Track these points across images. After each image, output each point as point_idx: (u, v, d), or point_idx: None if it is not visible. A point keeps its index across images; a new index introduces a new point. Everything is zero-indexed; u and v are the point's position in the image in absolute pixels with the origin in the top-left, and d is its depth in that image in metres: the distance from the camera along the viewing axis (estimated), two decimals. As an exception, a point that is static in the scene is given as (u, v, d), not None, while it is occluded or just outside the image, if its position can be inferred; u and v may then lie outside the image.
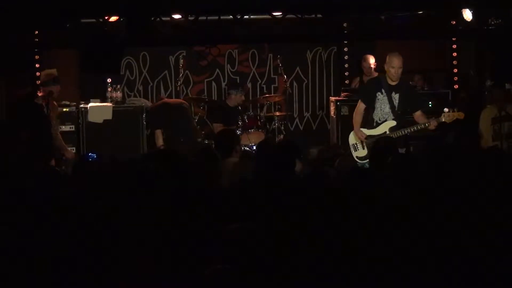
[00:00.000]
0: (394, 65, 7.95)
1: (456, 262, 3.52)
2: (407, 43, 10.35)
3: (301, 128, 11.23)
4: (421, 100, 8.66)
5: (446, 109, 7.98)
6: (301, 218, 3.97)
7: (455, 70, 10.83)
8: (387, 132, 7.93)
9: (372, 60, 10.05)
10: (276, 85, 11.09)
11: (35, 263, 3.64)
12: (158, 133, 9.48)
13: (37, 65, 10.43)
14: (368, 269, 3.48)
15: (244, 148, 9.18)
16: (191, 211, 4.11)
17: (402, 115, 8.03)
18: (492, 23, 8.06)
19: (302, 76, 11.15)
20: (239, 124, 9.72)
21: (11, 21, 7.36)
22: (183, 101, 9.84)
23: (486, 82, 10.10)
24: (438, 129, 8.06)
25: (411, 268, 3.50)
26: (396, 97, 8.00)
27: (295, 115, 11.16)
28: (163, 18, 7.95)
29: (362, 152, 8.09)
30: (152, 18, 7.75)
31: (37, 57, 10.37)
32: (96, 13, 7.81)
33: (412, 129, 7.92)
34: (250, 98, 10.89)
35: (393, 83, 8.03)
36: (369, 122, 8.09)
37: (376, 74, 9.46)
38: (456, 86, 10.80)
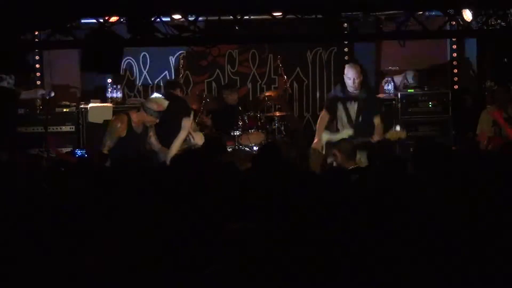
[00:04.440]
0: (350, 76, 8.32)
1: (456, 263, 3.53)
2: (407, 43, 10.35)
3: (297, 129, 11.22)
4: (379, 105, 8.83)
5: (398, 127, 8.25)
6: (301, 217, 3.97)
7: (455, 70, 10.84)
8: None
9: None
10: (276, 85, 11.08)
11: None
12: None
13: (37, 65, 10.46)
14: (370, 270, 3.48)
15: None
16: (192, 210, 4.11)
17: (362, 123, 8.34)
18: (492, 23, 8.06)
19: (302, 76, 11.15)
20: (239, 124, 9.71)
21: (11, 21, 7.36)
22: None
23: (486, 83, 10.10)
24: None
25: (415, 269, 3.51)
26: (354, 106, 8.34)
27: (295, 115, 11.15)
28: (163, 19, 7.95)
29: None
30: (152, 18, 7.74)
31: (37, 57, 10.40)
32: (96, 13, 7.80)
33: (364, 141, 8.07)
34: (251, 99, 10.89)
35: (353, 93, 8.36)
36: (332, 128, 8.55)
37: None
38: (456, 86, 10.81)
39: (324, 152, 8.22)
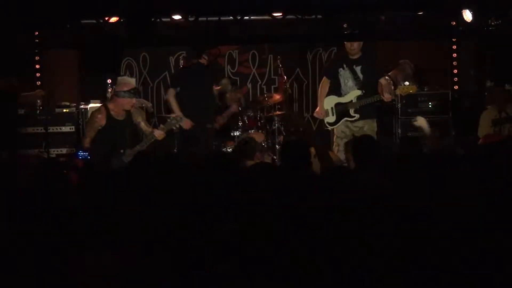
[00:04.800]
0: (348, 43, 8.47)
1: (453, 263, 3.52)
2: (407, 43, 10.36)
3: (301, 128, 11.21)
4: (381, 66, 8.95)
5: (406, 83, 8.36)
6: (301, 217, 3.97)
7: (455, 71, 10.84)
8: (354, 101, 8.45)
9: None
10: (276, 85, 11.09)
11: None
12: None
13: (37, 65, 10.47)
14: (370, 270, 3.48)
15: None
16: (196, 211, 4.10)
17: (367, 85, 8.47)
18: (492, 23, 8.06)
19: (302, 76, 11.15)
20: (239, 124, 9.71)
21: (11, 21, 7.36)
22: None
23: (486, 83, 10.10)
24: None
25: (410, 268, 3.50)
26: (358, 69, 8.44)
27: (296, 114, 11.14)
28: (163, 19, 7.95)
29: (332, 118, 8.60)
30: (152, 19, 7.75)
31: (37, 57, 10.40)
32: (96, 13, 7.80)
33: (374, 99, 8.40)
34: (250, 99, 10.88)
35: (354, 57, 8.48)
36: (337, 92, 8.58)
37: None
38: (456, 86, 10.81)
39: (334, 115, 8.50)
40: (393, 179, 4.73)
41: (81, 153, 7.91)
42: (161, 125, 8.31)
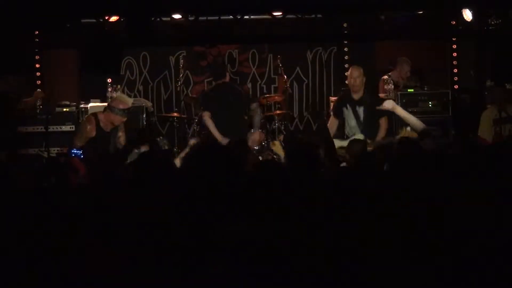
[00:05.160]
0: (353, 75, 8.29)
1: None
2: (407, 43, 10.35)
3: (301, 128, 11.22)
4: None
5: (408, 128, 8.24)
6: (301, 218, 3.97)
7: (455, 70, 10.84)
8: None
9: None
10: (276, 85, 11.09)
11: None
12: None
13: (37, 65, 10.47)
14: (371, 270, 3.48)
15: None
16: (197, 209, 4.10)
17: (369, 126, 8.31)
18: (492, 23, 8.06)
19: (302, 76, 11.14)
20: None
21: (11, 21, 7.37)
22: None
23: (486, 82, 10.10)
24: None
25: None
26: (360, 110, 8.31)
27: (295, 115, 11.15)
28: (163, 18, 7.95)
29: None
30: (152, 18, 7.75)
31: (37, 57, 10.40)
32: (96, 13, 7.81)
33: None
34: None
35: (357, 97, 8.33)
36: (340, 134, 8.45)
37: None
38: (456, 86, 10.81)
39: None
40: (393, 180, 4.74)
41: (74, 151, 7.94)
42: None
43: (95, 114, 8.29)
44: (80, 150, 7.80)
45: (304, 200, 4.31)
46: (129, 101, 8.37)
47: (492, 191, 4.24)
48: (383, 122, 8.42)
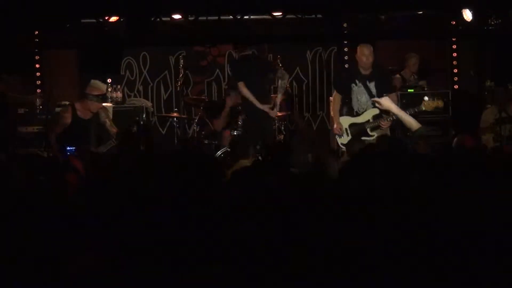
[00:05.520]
0: (365, 53, 8.08)
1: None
2: (407, 43, 10.35)
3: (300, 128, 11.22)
4: (392, 82, 8.78)
5: (426, 98, 8.12)
6: (301, 218, 3.97)
7: (455, 70, 10.84)
8: (371, 120, 8.13)
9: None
10: (276, 85, 11.08)
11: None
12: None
13: (37, 65, 10.46)
14: (372, 271, 3.48)
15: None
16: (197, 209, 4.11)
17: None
18: (492, 23, 8.06)
19: (302, 76, 11.14)
20: (239, 123, 9.70)
21: (11, 21, 7.37)
22: None
23: (486, 82, 10.10)
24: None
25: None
26: (371, 85, 8.14)
27: (297, 113, 11.14)
28: (163, 18, 7.95)
29: (345, 138, 8.31)
30: (152, 18, 7.75)
31: (37, 57, 10.39)
32: (96, 13, 7.81)
33: (394, 117, 7.98)
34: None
35: (366, 72, 8.16)
36: (349, 111, 8.26)
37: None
38: (456, 86, 10.81)
39: (349, 136, 8.23)
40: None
41: (68, 148, 7.98)
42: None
43: (72, 104, 8.48)
44: (73, 148, 7.88)
45: (305, 200, 4.32)
46: (103, 87, 8.51)
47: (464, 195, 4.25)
48: (394, 96, 8.28)
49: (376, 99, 8.03)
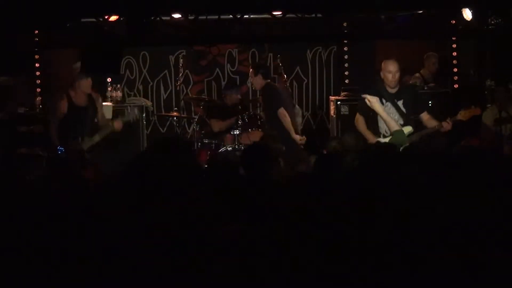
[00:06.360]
0: (391, 70, 7.71)
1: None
2: (407, 43, 10.35)
3: (301, 127, 11.21)
4: (424, 100, 8.60)
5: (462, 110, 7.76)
6: (301, 218, 3.97)
7: (455, 70, 10.84)
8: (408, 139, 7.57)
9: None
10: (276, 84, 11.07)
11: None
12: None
13: (37, 65, 10.46)
14: (371, 270, 3.48)
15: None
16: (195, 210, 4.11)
17: (412, 119, 7.79)
18: (492, 23, 8.06)
19: (302, 75, 11.15)
20: (238, 123, 9.70)
21: (11, 21, 7.37)
22: None
23: (486, 82, 10.10)
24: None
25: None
26: (400, 103, 7.74)
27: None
28: (163, 18, 7.95)
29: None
30: (152, 18, 7.75)
31: (37, 57, 10.40)
32: (96, 13, 7.80)
33: (426, 133, 7.59)
34: (250, 98, 10.89)
35: (393, 90, 7.78)
36: (376, 132, 7.77)
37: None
38: (456, 86, 10.81)
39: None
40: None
41: (59, 148, 8.01)
42: (120, 116, 8.49)
43: (66, 91, 8.45)
44: (62, 147, 7.92)
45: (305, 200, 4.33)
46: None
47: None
48: (426, 116, 7.79)
49: (366, 95, 7.68)
